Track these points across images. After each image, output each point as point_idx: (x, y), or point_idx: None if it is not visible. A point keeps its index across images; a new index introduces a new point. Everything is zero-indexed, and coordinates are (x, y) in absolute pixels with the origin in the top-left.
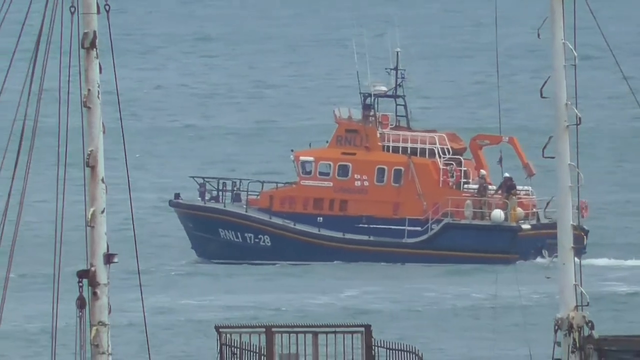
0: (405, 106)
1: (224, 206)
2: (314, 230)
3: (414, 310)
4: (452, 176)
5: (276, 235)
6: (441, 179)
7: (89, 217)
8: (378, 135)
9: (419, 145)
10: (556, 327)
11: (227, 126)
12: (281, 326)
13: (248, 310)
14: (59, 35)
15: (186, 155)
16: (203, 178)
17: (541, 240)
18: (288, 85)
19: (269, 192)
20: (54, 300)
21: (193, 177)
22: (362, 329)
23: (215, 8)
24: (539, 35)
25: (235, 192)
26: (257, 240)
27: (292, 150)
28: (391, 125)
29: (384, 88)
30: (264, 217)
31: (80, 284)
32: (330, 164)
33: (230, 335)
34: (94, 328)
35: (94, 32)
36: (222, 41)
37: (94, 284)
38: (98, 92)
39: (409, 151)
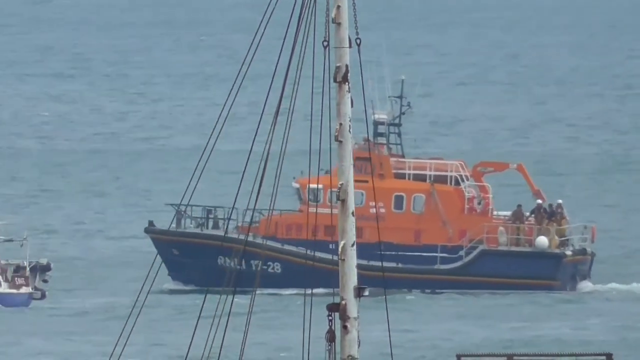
0: (399, 134)
1: (225, 234)
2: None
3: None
4: (480, 203)
5: (288, 262)
6: (466, 206)
7: (340, 250)
8: (391, 162)
9: (433, 172)
10: None
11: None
12: (522, 354)
13: (481, 338)
14: (311, 67)
15: (158, 178)
16: (179, 205)
17: (575, 267)
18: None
19: (271, 219)
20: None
21: (171, 204)
22: (604, 357)
23: None
24: None
25: (214, 219)
26: (264, 267)
27: (294, 178)
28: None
29: (384, 116)
30: (277, 244)
31: (330, 317)
32: None
33: None
34: None
35: (346, 66)
36: None
37: (344, 317)
38: (349, 125)
39: (428, 179)
